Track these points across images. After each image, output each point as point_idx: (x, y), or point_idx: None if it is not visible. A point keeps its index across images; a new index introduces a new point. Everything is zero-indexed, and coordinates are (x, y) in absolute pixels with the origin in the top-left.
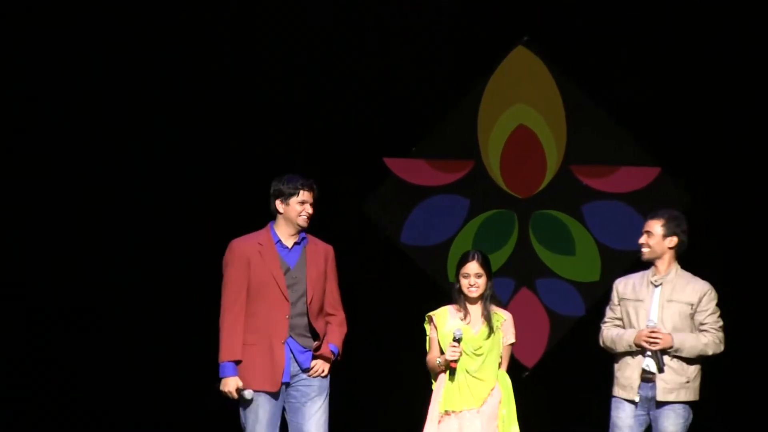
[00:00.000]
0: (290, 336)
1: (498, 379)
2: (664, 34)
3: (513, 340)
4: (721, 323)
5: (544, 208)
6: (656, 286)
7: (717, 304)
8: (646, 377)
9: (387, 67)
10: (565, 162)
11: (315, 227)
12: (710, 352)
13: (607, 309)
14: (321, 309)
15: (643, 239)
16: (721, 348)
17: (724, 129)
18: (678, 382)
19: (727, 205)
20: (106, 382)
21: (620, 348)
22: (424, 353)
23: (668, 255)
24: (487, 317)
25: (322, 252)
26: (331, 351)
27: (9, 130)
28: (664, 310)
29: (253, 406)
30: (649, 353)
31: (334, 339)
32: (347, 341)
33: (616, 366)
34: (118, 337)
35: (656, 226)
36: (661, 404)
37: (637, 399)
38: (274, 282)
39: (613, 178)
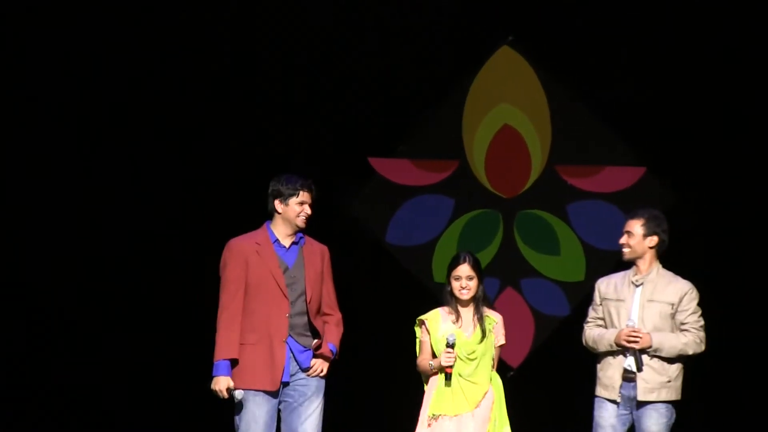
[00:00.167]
0: (290, 335)
1: (490, 381)
2: (649, 34)
3: (503, 342)
4: (702, 323)
5: (529, 208)
6: (637, 285)
7: (698, 304)
8: (628, 377)
9: (372, 68)
10: (550, 162)
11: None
12: (690, 352)
13: (590, 309)
14: (318, 309)
15: (623, 239)
16: (702, 348)
17: (710, 128)
18: (659, 382)
19: (713, 205)
20: (105, 382)
21: (602, 348)
22: (414, 355)
23: (649, 254)
24: (480, 320)
25: (318, 252)
26: (330, 350)
27: (8, 130)
28: (644, 310)
29: (250, 405)
30: (629, 353)
31: (332, 339)
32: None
33: (598, 366)
34: (117, 337)
35: (636, 226)
36: (642, 404)
37: (618, 399)
38: (274, 281)
39: (598, 177)
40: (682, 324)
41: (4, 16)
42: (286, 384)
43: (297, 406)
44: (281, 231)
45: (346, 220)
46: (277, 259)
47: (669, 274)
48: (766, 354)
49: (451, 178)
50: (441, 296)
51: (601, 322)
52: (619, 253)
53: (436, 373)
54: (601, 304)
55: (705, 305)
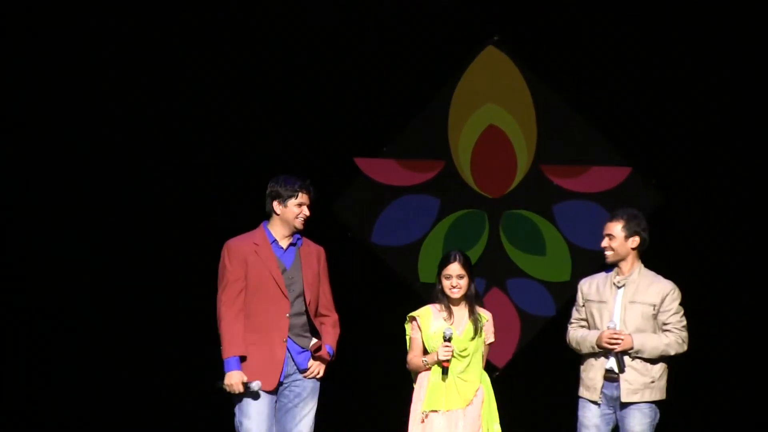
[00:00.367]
0: (288, 336)
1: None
2: (634, 34)
3: (492, 339)
4: (684, 323)
5: (514, 208)
6: (619, 287)
7: (681, 304)
8: (610, 377)
9: (358, 69)
10: (536, 162)
11: None
12: (672, 352)
13: (573, 310)
14: (316, 310)
15: (605, 243)
16: (684, 348)
17: (695, 128)
18: (642, 383)
19: (699, 205)
20: (105, 382)
21: (584, 349)
22: (404, 353)
23: (632, 255)
24: (474, 318)
25: (314, 253)
26: (327, 352)
27: (8, 130)
28: (626, 311)
29: (244, 403)
30: (611, 354)
31: (329, 340)
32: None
33: (581, 367)
34: (116, 337)
35: (617, 228)
36: (626, 404)
37: (599, 400)
38: (273, 281)
39: (584, 177)
40: (664, 324)
41: (4, 16)
42: (280, 384)
43: (292, 407)
44: (279, 232)
45: (331, 221)
46: (276, 259)
47: (651, 274)
48: (751, 353)
49: (437, 179)
50: (430, 295)
51: (584, 323)
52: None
53: (428, 369)
54: (583, 306)
55: (691, 304)
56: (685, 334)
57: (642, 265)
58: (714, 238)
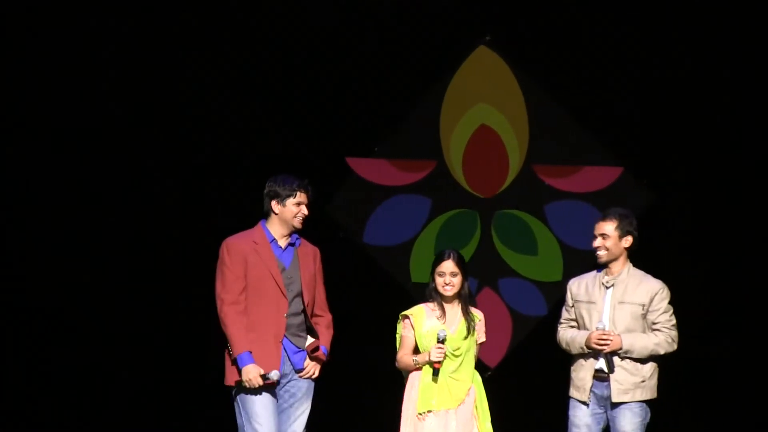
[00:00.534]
0: (285, 335)
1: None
2: (627, 34)
3: (484, 339)
4: (673, 322)
5: (506, 208)
6: (608, 287)
7: (670, 303)
8: (601, 376)
9: (349, 68)
10: (528, 162)
11: None
12: (662, 352)
13: (563, 310)
14: (312, 311)
15: (598, 242)
16: (674, 347)
17: (686, 128)
18: (633, 383)
19: (690, 205)
20: (104, 382)
21: (574, 350)
22: (394, 352)
23: (623, 255)
24: (467, 317)
25: (311, 253)
26: (323, 353)
27: (8, 130)
28: (615, 311)
29: (247, 400)
30: (601, 355)
31: (323, 341)
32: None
33: (571, 367)
34: (115, 337)
35: (610, 228)
36: (617, 404)
37: (588, 400)
38: (272, 280)
39: (576, 177)
40: (654, 324)
41: (4, 16)
42: (278, 383)
43: (287, 407)
44: (277, 231)
45: (323, 220)
46: (275, 259)
47: (640, 274)
48: (742, 352)
49: (429, 178)
50: (424, 294)
51: (574, 323)
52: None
53: (418, 369)
54: (573, 306)
55: (682, 304)
56: (674, 333)
57: (631, 265)
58: (705, 238)
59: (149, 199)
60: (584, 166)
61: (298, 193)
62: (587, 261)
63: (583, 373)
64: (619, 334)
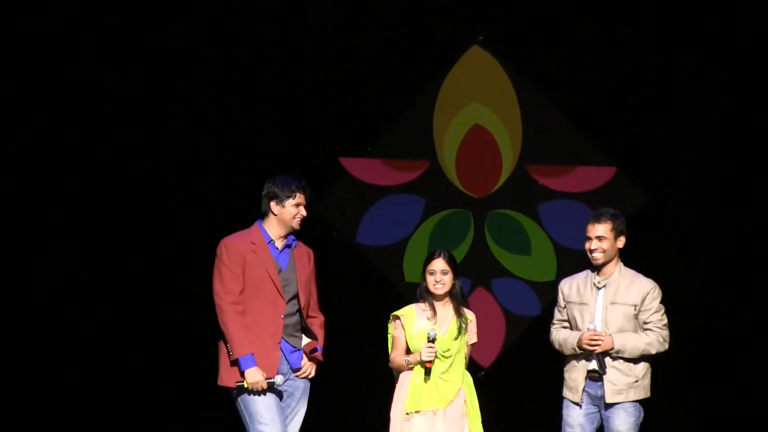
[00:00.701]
0: (282, 336)
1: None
2: (620, 34)
3: (475, 340)
4: (665, 321)
5: (499, 208)
6: (599, 288)
7: (661, 302)
8: (593, 376)
9: (343, 68)
10: (521, 161)
11: None
12: (653, 351)
13: (555, 311)
14: (307, 311)
15: (594, 245)
16: (666, 346)
17: (680, 128)
18: (626, 383)
19: (684, 204)
20: (104, 382)
21: (567, 351)
22: (386, 352)
23: (616, 255)
24: (459, 315)
25: (305, 254)
26: (320, 353)
27: (8, 130)
28: (607, 312)
29: (250, 401)
30: (593, 356)
31: (319, 341)
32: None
33: (564, 368)
34: (115, 337)
35: (606, 230)
36: (611, 404)
37: (581, 401)
38: (270, 281)
39: (569, 177)
40: (645, 323)
41: (4, 16)
42: (283, 378)
43: (285, 407)
44: (275, 232)
45: (316, 220)
46: (273, 260)
47: (631, 273)
48: (735, 351)
49: (422, 178)
50: (416, 294)
51: (566, 324)
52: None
53: (410, 369)
54: (565, 307)
55: (675, 303)
56: (666, 332)
57: (622, 264)
58: (699, 238)
59: (149, 199)
60: (577, 166)
61: (297, 194)
62: (581, 261)
63: (575, 374)
64: (610, 335)
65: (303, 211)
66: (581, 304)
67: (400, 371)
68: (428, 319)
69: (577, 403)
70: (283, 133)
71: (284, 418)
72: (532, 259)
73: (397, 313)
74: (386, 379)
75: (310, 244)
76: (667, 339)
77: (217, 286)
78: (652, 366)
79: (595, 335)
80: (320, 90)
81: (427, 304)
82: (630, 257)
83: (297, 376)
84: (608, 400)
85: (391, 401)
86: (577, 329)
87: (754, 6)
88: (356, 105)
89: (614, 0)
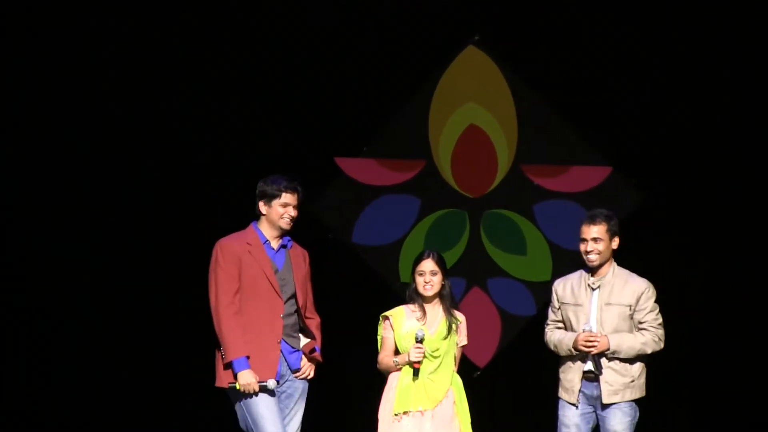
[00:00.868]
0: (282, 336)
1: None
2: (615, 35)
3: (465, 342)
4: (660, 320)
5: (495, 208)
6: (594, 289)
7: (656, 301)
8: (590, 377)
9: (338, 68)
10: (517, 161)
11: None
12: (649, 351)
13: (549, 311)
14: (305, 311)
15: (590, 246)
16: (661, 345)
17: (675, 128)
18: (622, 383)
19: (679, 204)
20: (104, 382)
21: (562, 352)
22: (375, 353)
23: (611, 256)
24: (449, 315)
25: (301, 255)
26: (318, 353)
27: (8, 130)
28: (603, 313)
29: (251, 403)
30: (588, 357)
31: (316, 342)
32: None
33: (559, 368)
34: (115, 337)
35: (602, 231)
36: (607, 404)
37: (577, 402)
38: (267, 281)
39: (565, 177)
40: (640, 323)
41: (4, 16)
42: (276, 383)
43: (282, 407)
44: (268, 232)
45: (311, 221)
46: (269, 260)
47: (625, 273)
48: (730, 350)
49: (418, 178)
50: (406, 295)
51: (560, 325)
52: None
53: (398, 370)
54: (559, 308)
55: (670, 303)
56: (661, 331)
57: (615, 265)
58: (695, 238)
59: (149, 199)
60: (573, 166)
61: (284, 194)
62: (576, 261)
63: (571, 375)
64: (605, 335)
65: (291, 212)
66: (576, 305)
67: (388, 372)
68: (417, 320)
69: (573, 404)
70: (278, 134)
71: (283, 419)
72: (528, 259)
73: (386, 313)
74: (382, 380)
75: (306, 244)
76: (663, 338)
77: (212, 288)
78: (647, 365)
79: (591, 336)
80: (316, 90)
81: (416, 305)
82: (626, 257)
83: (296, 377)
84: (605, 401)
85: (372, 401)
86: (572, 330)
87: (752, 5)
88: (352, 105)
89: (608, 1)
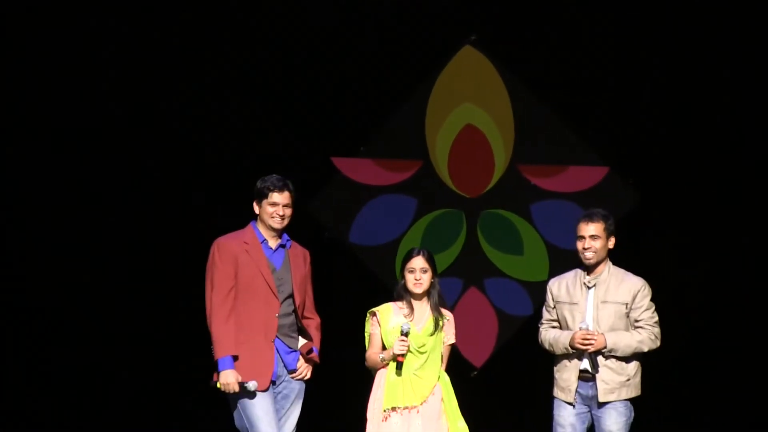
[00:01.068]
0: (276, 336)
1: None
2: (612, 35)
3: (453, 341)
4: (656, 319)
5: (492, 208)
6: (589, 287)
7: (651, 300)
8: (585, 376)
9: (335, 68)
10: (513, 161)
11: None
12: (646, 349)
13: (543, 310)
14: (303, 312)
15: (588, 243)
16: (657, 344)
17: (672, 127)
18: (618, 382)
19: (676, 204)
20: (104, 382)
21: (558, 351)
22: (364, 350)
23: (607, 256)
24: (437, 312)
25: (301, 255)
26: (316, 354)
27: (8, 130)
28: (599, 311)
29: (247, 404)
30: (585, 355)
31: (315, 343)
32: None
33: (555, 367)
34: (115, 337)
35: (600, 229)
36: (602, 403)
37: (574, 401)
38: (263, 280)
39: (562, 177)
40: (636, 321)
41: (4, 16)
42: (273, 383)
43: (279, 408)
44: (265, 232)
45: (308, 220)
46: (266, 259)
47: (620, 272)
48: (726, 349)
49: (415, 178)
50: (393, 293)
51: (555, 324)
52: None
53: (385, 366)
54: (554, 307)
55: (667, 303)
56: (657, 330)
57: (611, 264)
58: (692, 237)
59: (149, 199)
60: (570, 166)
61: (271, 194)
62: (573, 261)
63: (567, 374)
64: (602, 333)
65: (279, 211)
66: (571, 303)
67: (375, 369)
68: (405, 316)
69: (570, 403)
70: (275, 134)
71: (278, 420)
72: (525, 258)
73: (373, 309)
74: (357, 376)
75: (302, 244)
76: (659, 336)
77: (208, 286)
78: (643, 364)
79: (588, 334)
80: (312, 90)
81: (404, 301)
82: (623, 257)
83: (293, 378)
84: (601, 399)
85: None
86: (568, 329)
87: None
88: (349, 105)
89: (606, 0)
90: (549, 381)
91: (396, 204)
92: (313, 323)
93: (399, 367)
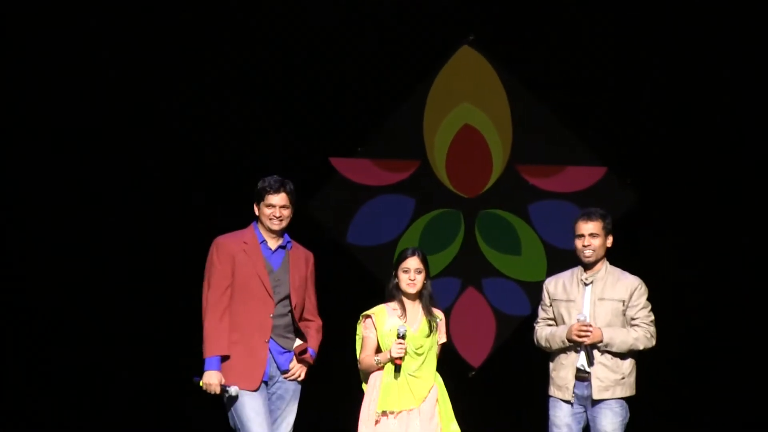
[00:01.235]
0: (271, 336)
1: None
2: (610, 35)
3: (444, 340)
4: (652, 317)
5: (490, 208)
6: (587, 284)
7: (648, 299)
8: (581, 376)
9: (333, 68)
10: (511, 161)
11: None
12: (641, 347)
13: (540, 309)
14: (301, 314)
15: (587, 241)
16: (653, 342)
17: (670, 128)
18: (613, 379)
19: (674, 204)
20: (104, 382)
21: (555, 346)
22: (355, 353)
23: (604, 255)
24: (429, 313)
25: (303, 257)
26: (310, 355)
27: (8, 130)
28: (596, 308)
29: (247, 400)
30: (581, 348)
31: (312, 343)
32: None
33: (551, 366)
34: (115, 337)
35: (599, 228)
36: (597, 402)
37: (571, 399)
38: (259, 281)
39: (560, 177)
40: (633, 319)
41: (4, 16)
42: (265, 384)
43: (274, 409)
44: (265, 232)
45: (306, 221)
46: (263, 260)
47: (617, 271)
48: (722, 349)
49: (413, 178)
50: (385, 293)
51: (551, 323)
52: None
53: (380, 369)
54: (551, 305)
55: (664, 302)
56: (653, 329)
57: (608, 263)
58: (689, 238)
59: (149, 199)
60: (568, 166)
61: (267, 196)
62: (570, 261)
63: (564, 372)
64: (599, 327)
65: (276, 212)
66: (568, 301)
67: (368, 372)
68: (399, 317)
69: (567, 402)
70: (273, 134)
71: (272, 422)
72: (523, 259)
73: (367, 312)
74: (348, 378)
75: (300, 244)
76: (654, 335)
77: (204, 284)
78: (638, 364)
79: (585, 326)
80: (311, 90)
81: (397, 302)
82: (621, 257)
83: (286, 378)
84: (595, 397)
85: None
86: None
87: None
88: (347, 105)
89: (604, 0)
90: (546, 381)
91: (394, 204)
92: (313, 325)
93: (397, 369)
